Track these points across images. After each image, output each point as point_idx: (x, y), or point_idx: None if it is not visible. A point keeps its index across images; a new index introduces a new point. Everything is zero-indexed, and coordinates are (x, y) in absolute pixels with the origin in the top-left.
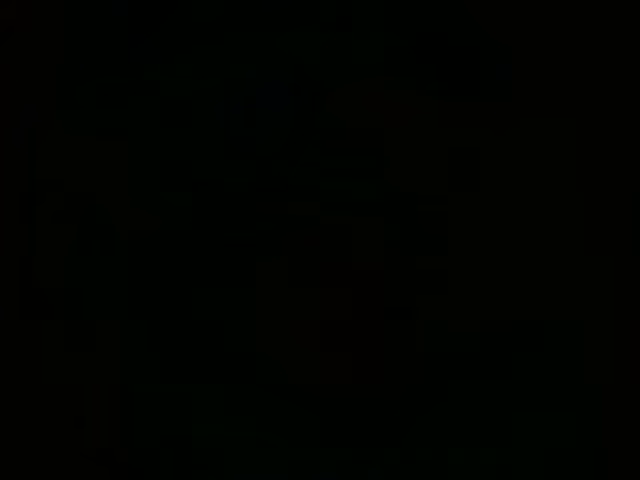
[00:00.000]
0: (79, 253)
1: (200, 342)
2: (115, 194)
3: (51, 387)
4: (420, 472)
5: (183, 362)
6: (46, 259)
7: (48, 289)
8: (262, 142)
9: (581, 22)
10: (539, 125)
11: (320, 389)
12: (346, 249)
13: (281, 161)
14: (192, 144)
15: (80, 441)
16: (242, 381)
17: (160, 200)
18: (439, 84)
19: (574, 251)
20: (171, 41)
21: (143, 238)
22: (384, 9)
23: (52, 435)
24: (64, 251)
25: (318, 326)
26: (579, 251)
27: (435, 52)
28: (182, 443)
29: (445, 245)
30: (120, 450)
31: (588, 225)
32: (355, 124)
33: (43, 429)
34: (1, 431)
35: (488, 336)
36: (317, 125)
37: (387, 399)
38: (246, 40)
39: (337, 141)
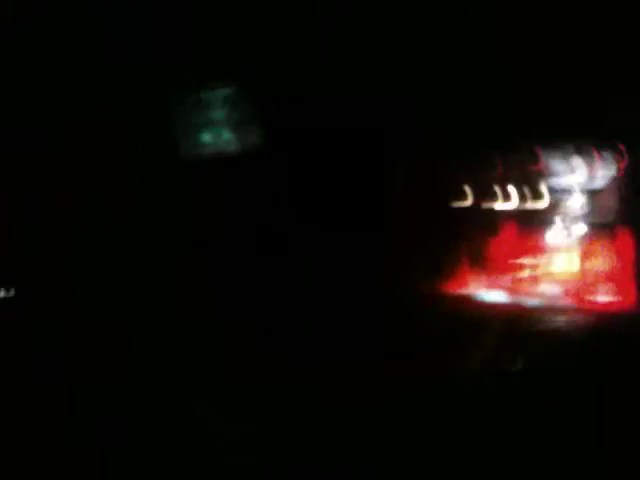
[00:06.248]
0: (79, 253)
1: (200, 342)
2: (114, 194)
3: (51, 387)
4: (420, 472)
5: (183, 362)
6: (46, 259)
7: (48, 289)
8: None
9: (581, 22)
10: None
11: (319, 389)
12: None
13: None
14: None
15: (79, 440)
16: (242, 381)
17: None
18: None
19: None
20: (171, 42)
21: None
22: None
23: (52, 434)
24: (64, 251)
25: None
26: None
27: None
28: (182, 443)
29: None
30: (119, 450)
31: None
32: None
33: (43, 428)
34: (1, 430)
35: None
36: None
37: (387, 399)
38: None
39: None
